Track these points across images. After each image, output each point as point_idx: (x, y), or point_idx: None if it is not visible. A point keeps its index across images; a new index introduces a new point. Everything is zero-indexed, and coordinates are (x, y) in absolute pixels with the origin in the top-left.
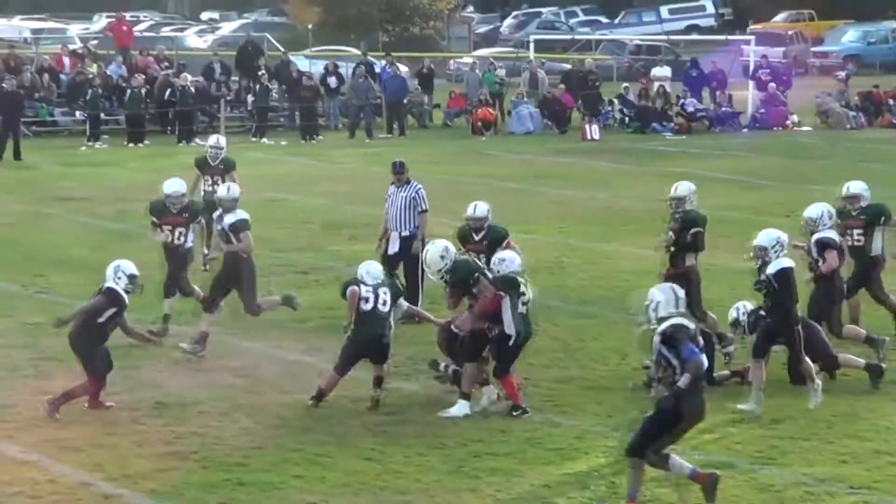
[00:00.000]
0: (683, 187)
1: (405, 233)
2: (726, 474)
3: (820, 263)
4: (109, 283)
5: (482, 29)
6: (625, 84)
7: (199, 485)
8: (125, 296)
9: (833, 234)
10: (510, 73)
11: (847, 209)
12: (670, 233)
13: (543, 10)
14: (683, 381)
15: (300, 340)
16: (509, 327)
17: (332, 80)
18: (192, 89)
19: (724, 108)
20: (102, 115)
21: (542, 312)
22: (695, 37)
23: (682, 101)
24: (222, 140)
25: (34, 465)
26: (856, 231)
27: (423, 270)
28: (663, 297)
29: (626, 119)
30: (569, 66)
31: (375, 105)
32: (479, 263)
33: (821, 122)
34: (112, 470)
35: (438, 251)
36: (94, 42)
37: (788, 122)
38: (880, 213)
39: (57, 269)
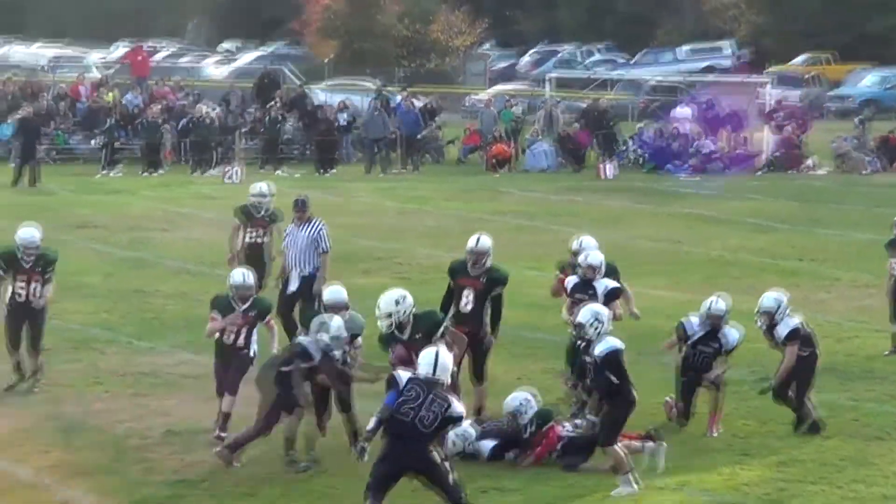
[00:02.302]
0: (485, 241)
1: (305, 272)
2: None
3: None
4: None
5: (499, 65)
6: (639, 124)
7: None
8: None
9: (619, 284)
10: (526, 111)
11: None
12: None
13: (561, 47)
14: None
15: None
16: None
17: (343, 118)
18: (209, 120)
19: (739, 150)
20: (118, 144)
21: (551, 351)
22: (711, 77)
23: (698, 141)
24: (266, 188)
25: (45, 489)
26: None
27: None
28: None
29: (642, 159)
30: (584, 105)
31: (391, 140)
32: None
33: (837, 166)
34: (121, 496)
35: (394, 295)
36: (111, 71)
37: (804, 166)
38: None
39: (69, 295)
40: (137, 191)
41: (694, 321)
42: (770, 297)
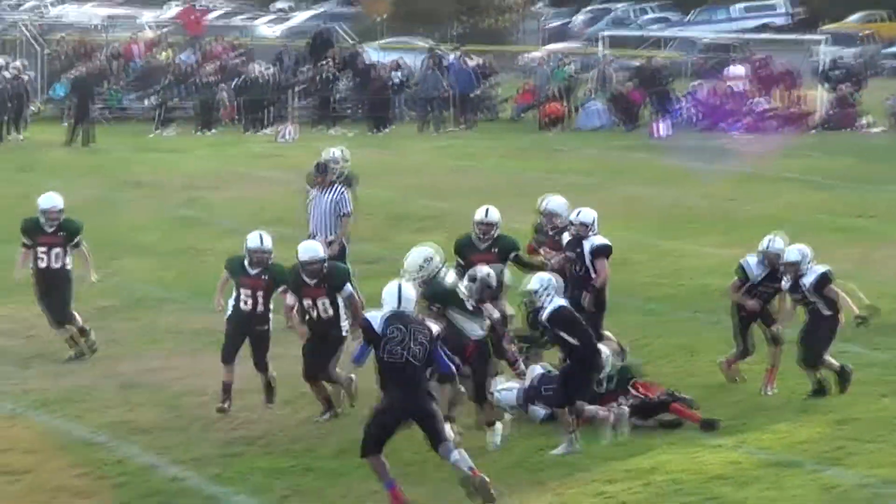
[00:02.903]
0: (494, 212)
1: (331, 237)
2: (791, 473)
3: (592, 273)
4: None
5: (553, 24)
6: (693, 83)
7: (265, 470)
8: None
9: (608, 242)
10: (580, 69)
11: (545, 227)
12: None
13: (615, 5)
14: None
15: None
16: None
17: (396, 76)
18: (262, 79)
19: (793, 109)
20: (171, 103)
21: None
22: (765, 36)
23: (752, 100)
24: (339, 153)
25: (102, 446)
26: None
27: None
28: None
29: (695, 117)
30: (638, 64)
31: (444, 98)
32: (461, 294)
33: (892, 125)
34: (179, 453)
35: (422, 255)
36: (166, 29)
37: (858, 124)
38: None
39: (126, 253)
40: (191, 150)
41: (752, 262)
42: (794, 250)
